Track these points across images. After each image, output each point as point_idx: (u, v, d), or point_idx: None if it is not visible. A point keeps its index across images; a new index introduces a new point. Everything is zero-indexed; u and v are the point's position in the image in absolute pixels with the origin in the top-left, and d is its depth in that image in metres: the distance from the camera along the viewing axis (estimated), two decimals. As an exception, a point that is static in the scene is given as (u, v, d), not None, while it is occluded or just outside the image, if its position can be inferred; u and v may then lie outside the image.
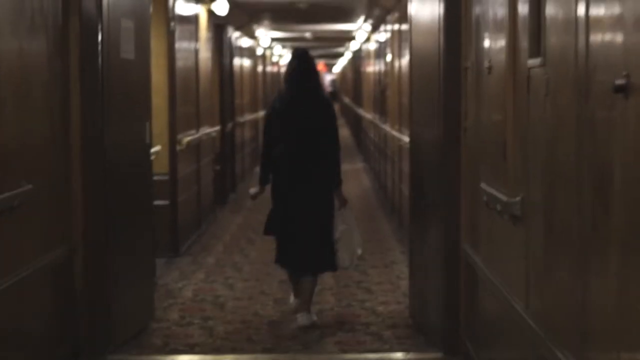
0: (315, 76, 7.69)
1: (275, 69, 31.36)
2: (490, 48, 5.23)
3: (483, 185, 5.23)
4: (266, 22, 20.13)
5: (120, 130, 6.80)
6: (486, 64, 5.21)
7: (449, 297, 6.52)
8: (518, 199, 4.43)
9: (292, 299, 7.84)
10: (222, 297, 8.44)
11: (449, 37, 6.38)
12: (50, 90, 5.96)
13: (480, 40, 5.63)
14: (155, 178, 9.52)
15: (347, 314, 7.83)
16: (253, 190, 8.00)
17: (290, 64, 7.67)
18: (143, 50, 7.38)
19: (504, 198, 4.62)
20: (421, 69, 7.31)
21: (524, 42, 4.36)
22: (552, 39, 3.79)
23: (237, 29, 17.49)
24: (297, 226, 7.51)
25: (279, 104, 7.62)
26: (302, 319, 7.40)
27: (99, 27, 6.40)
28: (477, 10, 5.72)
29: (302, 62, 7.64)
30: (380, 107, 16.42)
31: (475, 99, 5.79)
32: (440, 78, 6.50)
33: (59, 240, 6.10)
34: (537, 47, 4.05)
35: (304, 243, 7.49)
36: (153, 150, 8.71)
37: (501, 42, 4.82)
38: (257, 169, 19.50)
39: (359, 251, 7.71)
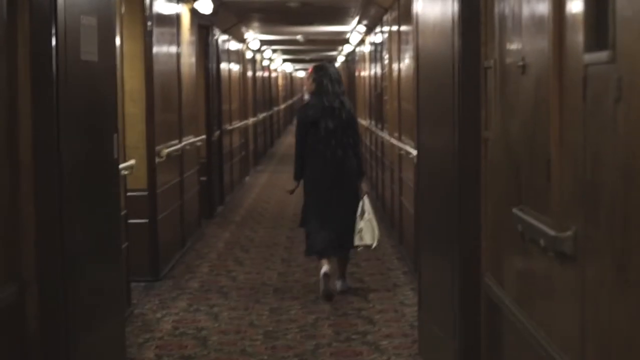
0: (339, 84, 9.01)
1: (266, 73, 30.36)
2: (523, 43, 4.26)
3: (517, 212, 4.26)
4: (255, 24, 19.18)
5: (81, 145, 5.82)
6: (519, 61, 4.25)
7: (466, 338, 5.56)
8: (569, 233, 3.46)
9: (323, 272, 8.52)
10: (205, 330, 7.45)
11: (467, 35, 5.42)
12: (-7, 99, 4.99)
13: (506, 35, 4.68)
14: (132, 194, 8.62)
15: (346, 351, 6.85)
16: (290, 187, 9.13)
17: (317, 75, 8.97)
18: (108, 51, 6.42)
19: (549, 231, 3.65)
20: (430, 71, 6.38)
21: (574, 33, 3.40)
22: (629, 26, 2.83)
23: (224, 31, 16.51)
24: (331, 211, 8.73)
25: (312, 110, 8.87)
26: (340, 285, 8.86)
27: (53, 24, 5.42)
28: (501, 2, 4.77)
29: (327, 73, 8.98)
30: (377, 113, 15.47)
31: (501, 105, 4.82)
32: (455, 81, 5.55)
33: (6, 277, 5.11)
34: (599, 37, 3.08)
35: (337, 226, 8.73)
36: (126, 164, 7.79)
37: (541, 34, 3.86)
38: (247, 178, 18.45)
39: (377, 235, 8.84)
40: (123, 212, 7.84)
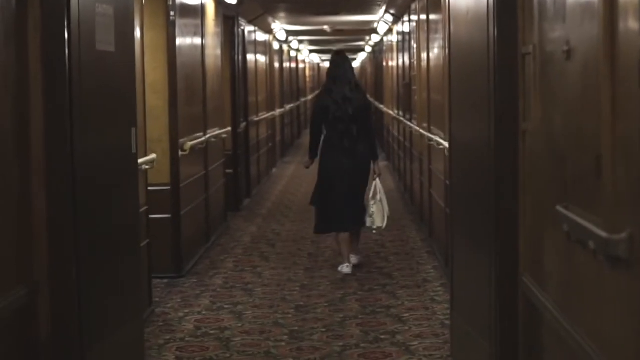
0: (352, 69, 9.76)
1: (293, 64, 30.03)
2: (568, 26, 3.93)
3: (562, 210, 3.92)
4: (281, 14, 18.85)
5: (97, 139, 5.54)
6: (563, 46, 3.91)
7: (503, 341, 5.23)
8: (624, 235, 3.14)
9: (345, 268, 9.25)
10: (228, 330, 7.16)
11: (503, 20, 5.09)
12: (1, 93, 4.70)
13: (547, 18, 4.34)
14: (154, 189, 8.36)
15: (375, 353, 6.54)
16: (307, 161, 9.87)
17: (334, 63, 9.67)
18: (126, 41, 6.13)
19: (600, 233, 3.32)
20: (463, 59, 6.06)
21: (627, 13, 3.07)
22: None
23: (250, 22, 16.20)
24: (346, 188, 9.33)
25: (328, 96, 9.52)
26: (353, 259, 9.46)
27: (66, 12, 5.13)
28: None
29: (343, 61, 9.71)
30: (405, 103, 15.12)
31: (541, 94, 4.49)
32: (490, 68, 5.22)
33: (15, 279, 4.83)
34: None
35: (352, 203, 9.35)
36: (147, 159, 7.52)
37: (589, 16, 3.53)
38: (274, 170, 18.23)
39: (387, 215, 9.58)
40: (144, 208, 7.57)
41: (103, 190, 5.61)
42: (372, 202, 9.49)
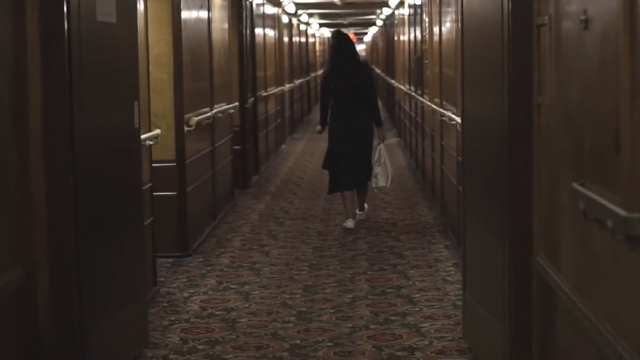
0: (353, 47, 10.82)
1: (303, 38, 29.77)
2: (585, -6, 3.74)
3: (578, 187, 3.74)
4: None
5: (98, 114, 5.38)
6: (580, 15, 3.72)
7: (517, 323, 5.06)
8: (644, 214, 2.96)
9: (349, 223, 10.29)
10: (234, 311, 7.00)
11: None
12: (-4, 64, 4.54)
13: (563, -13, 4.16)
14: (159, 166, 8.21)
15: (385, 334, 6.38)
16: (318, 128, 10.86)
17: (335, 40, 10.75)
18: (128, 12, 5.96)
19: (619, 211, 3.14)
20: (476, 30, 5.86)
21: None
22: None
23: (258, -6, 15.99)
24: (349, 152, 10.31)
25: (331, 68, 10.70)
26: (359, 215, 10.64)
27: (64, -18, 4.96)
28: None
29: (343, 38, 10.77)
30: (416, 77, 14.92)
31: (557, 66, 4.31)
32: (503, 40, 5.03)
33: (13, 260, 4.68)
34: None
35: (354, 165, 10.36)
36: (151, 134, 7.36)
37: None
38: (284, 147, 18.13)
39: (391, 177, 10.71)
40: (148, 185, 7.41)
41: (104, 166, 5.45)
42: (376, 165, 10.45)
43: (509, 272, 5.07)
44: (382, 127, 10.70)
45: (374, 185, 10.54)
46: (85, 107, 5.13)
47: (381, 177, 10.47)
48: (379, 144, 10.55)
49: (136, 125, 6.03)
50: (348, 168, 10.33)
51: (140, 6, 7.40)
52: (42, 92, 4.91)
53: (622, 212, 3.11)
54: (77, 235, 5.00)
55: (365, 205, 10.94)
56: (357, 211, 10.57)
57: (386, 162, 10.51)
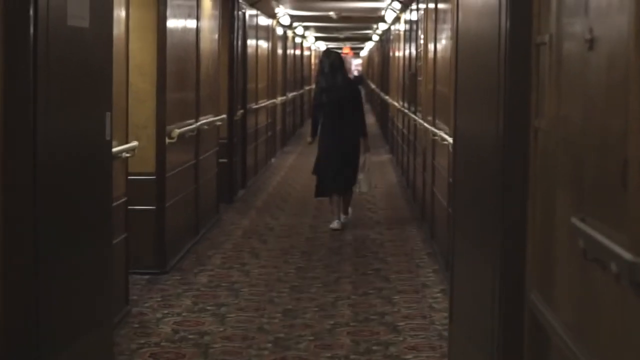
0: (343, 64, 11.76)
1: (298, 51, 29.41)
2: (591, 11, 3.39)
3: (577, 223, 3.39)
4: (285, -2, 18.33)
5: (65, 123, 5.02)
6: (585, 34, 3.38)
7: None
8: (654, 259, 2.61)
9: (335, 224, 11.24)
10: (208, 335, 6.63)
11: (516, 6, 4.56)
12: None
13: (566, 3, 3.81)
14: (137, 179, 7.86)
15: (366, 366, 6.02)
16: (309, 139, 11.91)
17: (327, 57, 11.73)
18: (103, 16, 5.61)
19: (625, 254, 2.78)
20: (471, 48, 5.52)
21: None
22: None
23: (252, 5, 15.65)
24: (337, 160, 11.24)
25: (324, 82, 11.53)
26: (344, 218, 11.48)
27: (31, -18, 4.61)
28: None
29: (334, 56, 11.81)
30: (410, 94, 14.58)
31: (557, 87, 3.96)
32: (500, 59, 4.68)
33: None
34: None
35: (341, 171, 11.26)
36: (127, 146, 7.01)
37: (619, -2, 3.00)
38: (273, 160, 17.87)
39: (374, 184, 12.01)
40: (122, 200, 7.05)
41: (69, 179, 5.09)
42: (360, 172, 11.41)
43: (499, 308, 4.72)
44: (367, 137, 11.60)
45: (357, 190, 11.48)
46: (51, 117, 4.78)
47: (364, 183, 11.45)
48: (364, 153, 11.48)
49: (107, 137, 5.67)
50: (336, 174, 11.23)
51: (121, 12, 7.05)
52: (2, 97, 4.56)
53: (628, 256, 2.75)
54: (34, 253, 4.64)
55: (350, 210, 11.80)
56: (341, 214, 11.41)
57: (370, 171, 11.56)
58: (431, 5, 11.29)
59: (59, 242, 4.91)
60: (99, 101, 5.59)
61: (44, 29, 4.71)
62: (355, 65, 59.98)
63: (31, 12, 4.62)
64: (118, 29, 6.86)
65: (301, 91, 30.06)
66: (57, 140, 4.88)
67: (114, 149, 6.45)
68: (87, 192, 5.38)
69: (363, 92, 45.60)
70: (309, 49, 36.19)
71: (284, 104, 22.87)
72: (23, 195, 4.61)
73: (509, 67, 4.59)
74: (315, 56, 39.83)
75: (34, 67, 4.63)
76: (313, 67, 38.67)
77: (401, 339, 6.59)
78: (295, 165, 18.95)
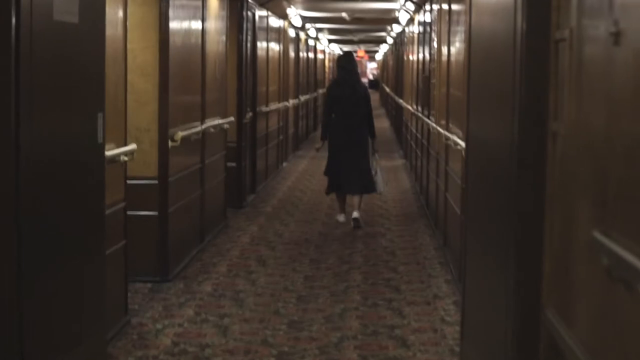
0: (356, 69, 12.29)
1: (311, 54, 29.06)
2: (617, 1, 3.06)
3: (600, 238, 3.06)
4: (297, -1, 18.03)
5: (51, 125, 4.73)
6: (610, 28, 3.05)
7: (521, 383, 4.38)
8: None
9: (340, 217, 11.80)
10: (209, 348, 6.32)
11: (533, 2, 4.24)
12: None
13: (588, -6, 3.49)
14: (138, 183, 7.58)
15: (373, 383, 5.70)
16: (317, 145, 12.48)
17: (342, 60, 12.30)
18: (94, 11, 5.32)
19: (656, 275, 2.47)
20: (485, 48, 5.21)
21: None
22: None
23: (262, 5, 15.33)
24: (347, 162, 11.60)
25: (335, 86, 12.08)
26: (354, 214, 11.54)
27: (14, -27, 4.31)
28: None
29: (349, 59, 12.37)
30: (424, 97, 14.25)
31: (577, 88, 3.63)
32: (516, 58, 4.36)
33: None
34: None
35: (352, 174, 11.60)
36: (125, 149, 6.71)
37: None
38: (285, 165, 17.53)
39: (386, 181, 12.53)
40: (121, 205, 6.75)
41: (57, 186, 4.79)
42: (374, 174, 11.80)
43: (512, 325, 4.40)
44: (375, 138, 11.96)
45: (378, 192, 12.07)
46: (35, 118, 4.49)
47: (379, 184, 11.86)
48: (373, 154, 11.85)
49: (99, 140, 5.38)
50: (347, 173, 11.61)
51: (119, 9, 6.75)
52: (-18, 98, 4.26)
53: (660, 277, 2.43)
54: (19, 262, 4.35)
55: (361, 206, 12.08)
56: (355, 211, 11.57)
57: (379, 173, 11.85)
58: (445, 6, 10.98)
59: (45, 255, 4.62)
60: (90, 101, 5.30)
61: (27, 24, 4.43)
62: (371, 69, 59.70)
63: (13, 4, 4.32)
64: (116, 27, 6.57)
65: (314, 94, 29.72)
66: (43, 144, 4.59)
67: (111, 153, 6.18)
68: (77, 199, 5.09)
69: (377, 97, 45.14)
70: (323, 52, 35.84)
71: (296, 107, 22.55)
72: (4, 206, 4.31)
73: (525, 66, 4.26)
74: (329, 59, 39.52)
75: (16, 63, 4.34)
76: (327, 70, 38.36)
77: (411, 353, 6.27)
78: (307, 169, 18.63)
